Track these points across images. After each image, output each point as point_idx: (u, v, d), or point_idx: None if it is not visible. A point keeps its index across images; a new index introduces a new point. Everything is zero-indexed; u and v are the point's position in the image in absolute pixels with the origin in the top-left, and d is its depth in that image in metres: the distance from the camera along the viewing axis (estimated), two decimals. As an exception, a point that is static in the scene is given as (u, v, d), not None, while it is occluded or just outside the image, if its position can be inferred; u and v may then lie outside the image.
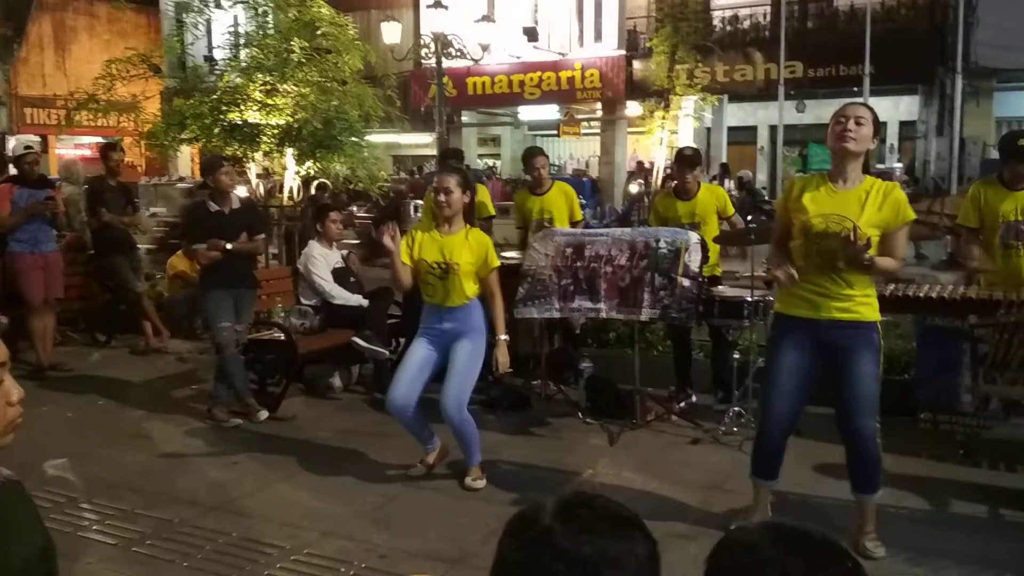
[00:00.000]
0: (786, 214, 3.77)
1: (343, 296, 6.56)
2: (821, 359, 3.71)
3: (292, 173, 8.32)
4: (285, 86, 7.77)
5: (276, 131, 7.86)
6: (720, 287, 5.88)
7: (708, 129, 21.48)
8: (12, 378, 1.56)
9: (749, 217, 7.39)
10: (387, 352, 6.35)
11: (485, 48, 15.75)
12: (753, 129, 23.44)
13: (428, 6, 14.05)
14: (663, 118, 18.58)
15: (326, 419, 6.00)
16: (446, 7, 14.13)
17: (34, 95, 24.86)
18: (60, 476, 4.84)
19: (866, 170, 3.71)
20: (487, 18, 16.63)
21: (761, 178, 21.36)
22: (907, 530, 3.98)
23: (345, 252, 7.06)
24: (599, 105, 21.47)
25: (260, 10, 8.23)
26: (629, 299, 5.35)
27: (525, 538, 1.19)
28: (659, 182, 17.50)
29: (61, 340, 8.04)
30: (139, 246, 8.29)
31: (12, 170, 7.29)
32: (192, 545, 3.95)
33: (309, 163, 8.21)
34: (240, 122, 7.82)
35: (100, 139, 16.41)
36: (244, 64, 8.08)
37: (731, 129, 22.51)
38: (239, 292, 5.89)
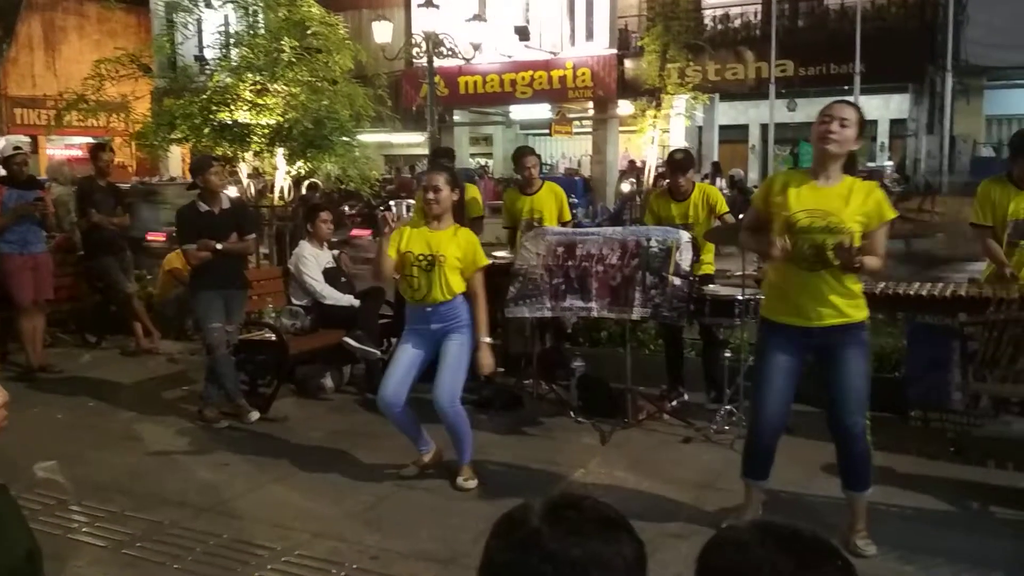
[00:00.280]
0: (765, 207, 3.78)
1: (334, 296, 6.55)
2: (810, 358, 3.73)
3: (283, 173, 8.30)
4: (275, 86, 7.75)
5: (266, 131, 7.84)
6: (712, 286, 5.89)
7: (700, 128, 21.53)
8: (-3, 381, 1.54)
9: (741, 216, 7.38)
10: (378, 352, 6.33)
11: (477, 47, 15.73)
12: (744, 128, 23.51)
13: (419, 5, 14.02)
14: (655, 117, 18.61)
15: (317, 420, 5.98)
16: (437, 6, 14.10)
17: (23, 95, 24.77)
18: (50, 478, 4.81)
19: (851, 169, 3.73)
20: (478, 17, 16.62)
21: (753, 176, 21.42)
22: (898, 528, 3.99)
23: (336, 252, 7.04)
24: (591, 104, 21.50)
25: (250, 9, 8.20)
26: (620, 298, 5.35)
27: (513, 540, 1.18)
28: (651, 181, 17.52)
29: (51, 341, 8.01)
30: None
31: (1, 171, 7.25)
32: (182, 547, 3.93)
33: (300, 163, 8.18)
34: (230, 122, 7.79)
35: (90, 139, 16.34)
36: (234, 64, 8.04)
37: (722, 128, 22.58)
38: (230, 293, 5.87)
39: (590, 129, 22.37)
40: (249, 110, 7.74)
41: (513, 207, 6.66)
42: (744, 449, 4.01)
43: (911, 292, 5.13)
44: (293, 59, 7.83)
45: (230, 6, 8.41)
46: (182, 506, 4.42)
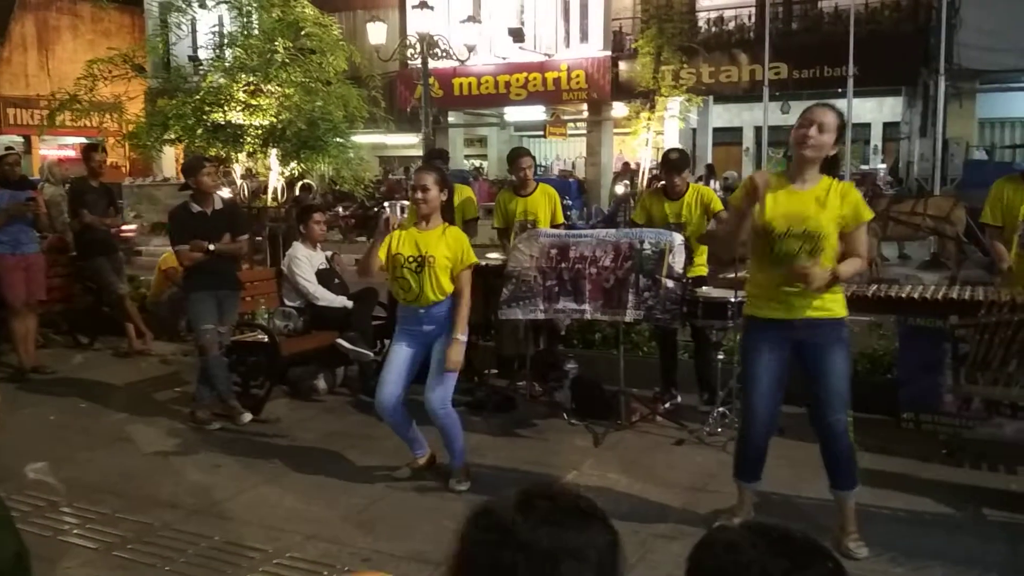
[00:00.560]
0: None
1: (327, 298, 6.54)
2: (793, 357, 3.75)
3: (276, 174, 8.28)
4: (269, 86, 7.73)
5: (260, 132, 7.81)
6: (705, 287, 5.89)
7: (694, 130, 21.53)
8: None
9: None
10: (371, 354, 6.33)
11: (471, 49, 15.73)
12: (738, 130, 23.52)
13: (414, 7, 14.04)
14: (649, 119, 18.61)
15: (310, 421, 5.97)
16: (432, 8, 14.12)
17: (17, 95, 24.68)
18: (41, 479, 4.80)
19: (833, 170, 3.77)
20: (473, 19, 16.62)
21: (746, 179, 21.41)
22: (890, 530, 4.00)
23: (329, 253, 7.03)
24: (585, 106, 21.51)
25: (244, 10, 8.17)
26: (614, 300, 5.35)
27: (487, 529, 1.18)
28: (645, 183, 17.53)
29: (43, 342, 7.98)
30: None
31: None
32: (174, 549, 3.92)
33: (293, 164, 8.17)
34: (223, 123, 7.76)
35: (84, 139, 16.30)
36: (228, 64, 8.02)
37: (716, 130, 22.58)
38: (222, 294, 5.86)
39: (584, 131, 22.37)
40: (243, 111, 7.71)
41: (507, 208, 6.66)
42: (736, 451, 4.02)
43: (903, 295, 5.15)
44: (287, 60, 7.81)
45: (224, 7, 8.37)
46: (174, 508, 4.40)
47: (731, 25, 19.16)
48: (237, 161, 8.12)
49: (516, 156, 6.68)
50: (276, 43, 7.76)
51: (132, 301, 8.13)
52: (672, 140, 19.06)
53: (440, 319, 4.50)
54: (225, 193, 7.24)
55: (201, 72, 8.49)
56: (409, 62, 16.88)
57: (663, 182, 6.11)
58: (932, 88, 17.34)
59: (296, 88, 7.79)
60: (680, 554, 1.35)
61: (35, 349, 7.39)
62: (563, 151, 26.47)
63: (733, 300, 5.36)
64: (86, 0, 25.04)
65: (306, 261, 6.59)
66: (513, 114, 23.95)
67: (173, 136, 8.06)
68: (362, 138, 10.18)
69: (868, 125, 22.10)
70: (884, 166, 20.04)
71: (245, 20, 8.18)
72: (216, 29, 8.51)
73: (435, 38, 14.61)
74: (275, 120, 7.76)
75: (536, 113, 23.04)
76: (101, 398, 6.51)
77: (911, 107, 19.08)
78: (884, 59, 16.49)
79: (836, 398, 3.69)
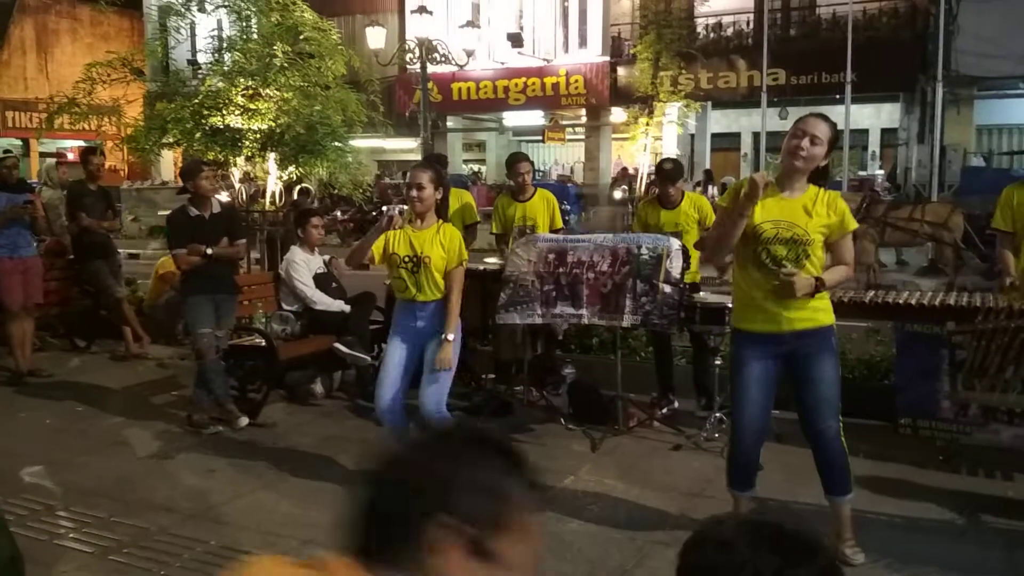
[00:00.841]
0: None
1: (325, 302, 6.53)
2: (783, 367, 3.76)
3: (274, 178, 8.28)
4: (267, 91, 7.73)
5: (258, 136, 7.81)
6: (701, 293, 5.90)
7: (692, 135, 21.58)
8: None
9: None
10: (369, 358, 6.32)
11: (470, 54, 15.76)
12: (736, 136, 23.56)
13: (413, 11, 14.08)
14: (647, 124, 18.67)
15: (307, 426, 5.96)
16: (431, 12, 14.15)
17: (16, 98, 24.71)
18: (37, 483, 4.79)
19: (823, 180, 3.79)
20: (472, 24, 16.65)
21: (745, 184, 21.44)
22: (887, 536, 4.00)
23: (327, 257, 7.03)
24: (584, 111, 21.56)
25: (243, 14, 8.17)
26: (611, 305, 5.35)
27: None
28: (643, 188, 17.56)
29: (40, 346, 7.97)
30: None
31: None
32: (169, 553, 3.91)
33: (291, 168, 8.17)
34: (222, 126, 7.77)
35: (83, 143, 16.30)
36: (227, 68, 8.02)
37: (714, 136, 22.64)
38: (220, 298, 5.86)
39: (583, 136, 22.43)
40: (241, 115, 7.71)
41: (505, 213, 6.65)
42: (728, 461, 4.02)
43: (900, 301, 5.15)
44: (285, 64, 7.81)
45: (223, 11, 8.38)
46: (169, 512, 4.39)
47: (729, 31, 19.22)
48: (235, 165, 8.12)
49: (515, 161, 6.67)
50: (275, 47, 7.76)
51: (129, 305, 8.13)
52: (670, 145, 19.12)
53: (434, 316, 4.51)
54: (223, 197, 7.24)
55: (200, 76, 8.49)
56: (408, 67, 16.91)
57: (657, 191, 6.12)
58: (930, 94, 17.38)
59: (295, 92, 7.79)
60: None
61: (32, 352, 7.37)
62: (562, 156, 26.51)
63: (730, 306, 5.35)
64: (85, 3, 25.06)
65: (304, 265, 6.59)
66: (512, 119, 24.02)
67: (171, 140, 8.06)
68: (360, 142, 10.17)
69: (866, 131, 22.16)
70: (882, 172, 20.10)
71: (244, 24, 8.18)
72: (215, 33, 8.52)
73: (434, 43, 14.65)
74: (273, 124, 7.76)
75: (535, 118, 23.09)
76: (98, 402, 6.50)
77: (909, 113, 19.14)
78: (882, 65, 16.55)
79: (826, 405, 3.70)
